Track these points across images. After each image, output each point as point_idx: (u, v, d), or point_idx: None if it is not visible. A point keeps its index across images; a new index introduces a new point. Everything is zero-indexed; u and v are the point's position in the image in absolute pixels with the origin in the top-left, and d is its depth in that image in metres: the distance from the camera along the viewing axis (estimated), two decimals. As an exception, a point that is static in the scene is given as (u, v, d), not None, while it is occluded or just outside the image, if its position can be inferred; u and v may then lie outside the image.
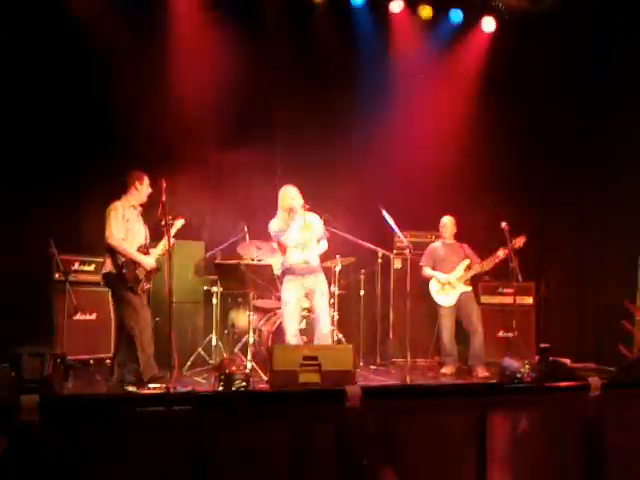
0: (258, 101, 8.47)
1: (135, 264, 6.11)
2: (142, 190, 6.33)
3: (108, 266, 6.15)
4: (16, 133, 7.55)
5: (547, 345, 7.34)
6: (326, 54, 8.91)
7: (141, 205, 6.38)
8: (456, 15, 9.34)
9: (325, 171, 8.41)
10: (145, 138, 7.99)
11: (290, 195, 6.64)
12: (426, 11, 9.22)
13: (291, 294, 6.61)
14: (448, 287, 7.87)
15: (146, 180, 6.35)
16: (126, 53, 7.85)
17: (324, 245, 6.80)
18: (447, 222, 8.17)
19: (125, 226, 6.13)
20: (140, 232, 6.27)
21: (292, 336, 6.52)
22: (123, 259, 6.09)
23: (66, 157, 7.81)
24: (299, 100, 8.48)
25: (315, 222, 6.75)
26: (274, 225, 6.65)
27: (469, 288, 7.92)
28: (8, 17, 7.42)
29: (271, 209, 7.83)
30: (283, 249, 6.73)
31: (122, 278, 6.07)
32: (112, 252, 6.12)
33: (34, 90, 7.59)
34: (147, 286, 6.26)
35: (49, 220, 7.49)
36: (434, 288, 7.92)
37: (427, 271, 8.01)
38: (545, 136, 9.10)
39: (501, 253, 7.65)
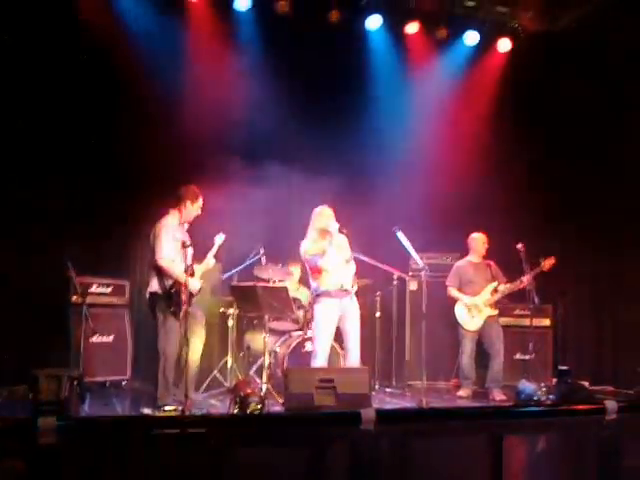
0: (274, 122, 8.51)
1: (181, 287, 5.94)
2: (193, 209, 6.24)
3: (154, 286, 6.07)
4: (33, 152, 7.64)
5: (565, 367, 7.28)
6: (342, 74, 8.98)
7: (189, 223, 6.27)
8: (472, 36, 9.40)
9: (340, 193, 8.43)
10: (162, 159, 8.07)
11: (327, 217, 6.59)
12: (441, 32, 9.28)
13: (326, 317, 6.56)
14: (474, 310, 7.79)
15: (200, 200, 6.27)
16: (146, 78, 7.97)
17: (353, 267, 6.75)
18: (478, 239, 8.05)
19: (175, 246, 6.02)
20: (187, 252, 6.03)
21: (321, 363, 6.51)
22: (171, 281, 6.03)
23: (82, 179, 7.89)
24: (315, 121, 8.53)
25: (344, 243, 6.71)
26: (309, 248, 6.58)
27: (495, 312, 7.83)
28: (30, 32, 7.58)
29: (287, 231, 7.89)
30: (316, 272, 6.63)
31: (168, 300, 6.00)
32: (159, 272, 6.04)
33: (49, 111, 7.69)
34: (189, 309, 5.93)
35: (66, 242, 7.55)
36: (460, 313, 7.84)
37: (453, 292, 7.95)
38: (563, 157, 9.09)
39: (525, 279, 7.55)
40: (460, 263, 8.14)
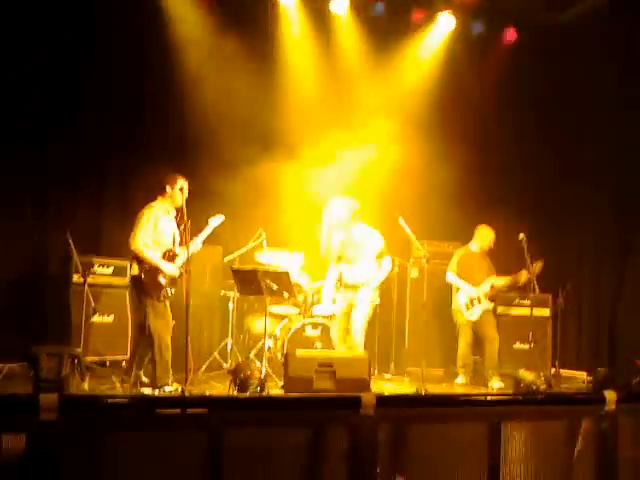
0: (279, 109, 8.51)
1: (158, 271, 6.10)
2: (175, 194, 6.27)
3: (134, 270, 6.16)
4: (37, 132, 7.63)
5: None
6: (346, 63, 8.96)
7: (176, 209, 6.34)
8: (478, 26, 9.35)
9: (341, 178, 8.42)
10: (166, 141, 8.07)
11: (330, 210, 6.86)
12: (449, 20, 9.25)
13: (337, 307, 6.94)
14: (476, 301, 7.78)
15: (179, 183, 6.28)
16: (156, 62, 7.99)
17: (386, 264, 6.90)
18: (487, 234, 7.97)
19: (154, 232, 6.12)
20: (169, 238, 6.25)
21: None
22: (147, 265, 6.10)
23: (88, 159, 7.89)
24: (319, 107, 8.52)
25: (367, 238, 6.77)
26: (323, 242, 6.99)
27: (492, 305, 7.83)
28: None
29: (288, 216, 7.90)
30: None
31: (146, 284, 6.08)
32: (138, 257, 6.12)
33: (54, 90, 7.70)
34: (171, 292, 6.21)
35: (69, 221, 7.55)
36: (463, 300, 7.81)
37: (452, 278, 7.92)
38: (566, 148, 9.07)
39: (524, 277, 7.58)
40: (462, 251, 8.10)
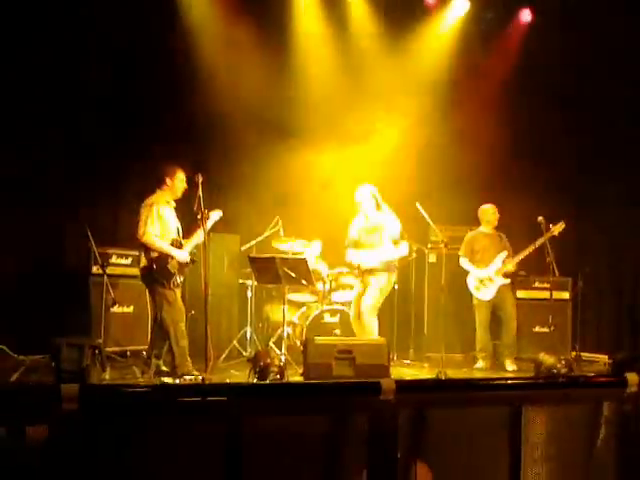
0: (294, 94, 8.50)
1: (167, 259, 6.15)
2: (174, 186, 6.32)
3: (143, 261, 6.24)
4: (54, 128, 7.66)
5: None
6: (361, 46, 8.93)
7: (175, 200, 6.40)
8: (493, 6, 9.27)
9: (358, 164, 8.39)
10: (182, 132, 8.08)
11: (355, 197, 6.95)
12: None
13: (354, 292, 7.09)
14: (487, 281, 7.75)
15: (178, 175, 6.33)
16: (163, 48, 7.96)
17: (403, 248, 6.90)
18: (488, 210, 8.00)
19: (159, 223, 6.17)
20: (173, 227, 6.31)
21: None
22: (156, 254, 6.15)
23: (104, 151, 7.91)
24: (335, 92, 8.50)
25: (386, 224, 6.80)
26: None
27: (508, 280, 7.79)
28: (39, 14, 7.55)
29: (304, 203, 7.88)
30: None
31: (157, 273, 6.13)
32: (146, 248, 6.19)
33: (70, 87, 7.73)
34: (180, 280, 6.28)
35: (86, 213, 7.59)
36: (472, 283, 7.81)
37: (464, 263, 7.91)
38: (583, 130, 8.98)
39: (537, 243, 7.54)
40: (471, 234, 8.09)
